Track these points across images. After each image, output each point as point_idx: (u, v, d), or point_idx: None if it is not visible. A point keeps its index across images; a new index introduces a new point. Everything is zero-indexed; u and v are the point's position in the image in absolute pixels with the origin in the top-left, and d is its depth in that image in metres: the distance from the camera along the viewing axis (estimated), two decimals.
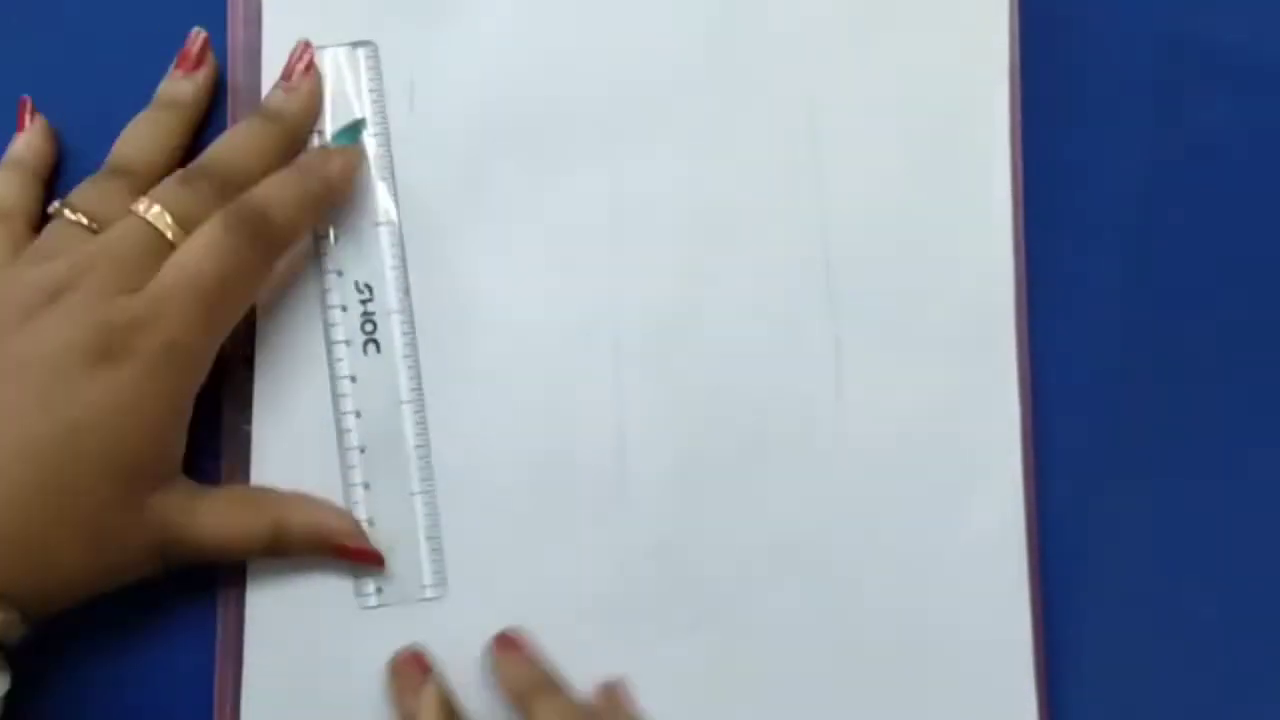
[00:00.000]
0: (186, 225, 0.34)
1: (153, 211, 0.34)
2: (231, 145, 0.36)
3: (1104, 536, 0.39)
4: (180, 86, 0.38)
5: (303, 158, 0.37)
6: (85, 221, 0.34)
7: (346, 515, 0.37)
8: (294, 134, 0.37)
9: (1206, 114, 0.40)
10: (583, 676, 0.38)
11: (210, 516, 0.35)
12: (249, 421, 0.38)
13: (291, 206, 0.35)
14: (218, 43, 0.39)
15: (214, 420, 0.38)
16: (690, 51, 0.39)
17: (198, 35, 0.38)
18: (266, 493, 0.37)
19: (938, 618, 0.38)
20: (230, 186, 0.35)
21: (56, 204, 0.35)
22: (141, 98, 0.39)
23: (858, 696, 0.38)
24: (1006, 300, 0.39)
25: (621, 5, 0.39)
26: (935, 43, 0.39)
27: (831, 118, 0.39)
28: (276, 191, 0.35)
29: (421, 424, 0.38)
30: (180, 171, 0.35)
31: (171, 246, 0.34)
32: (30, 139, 0.38)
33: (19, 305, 0.32)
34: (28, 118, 0.38)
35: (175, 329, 0.33)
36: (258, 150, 0.36)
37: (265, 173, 0.35)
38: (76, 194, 0.35)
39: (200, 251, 0.33)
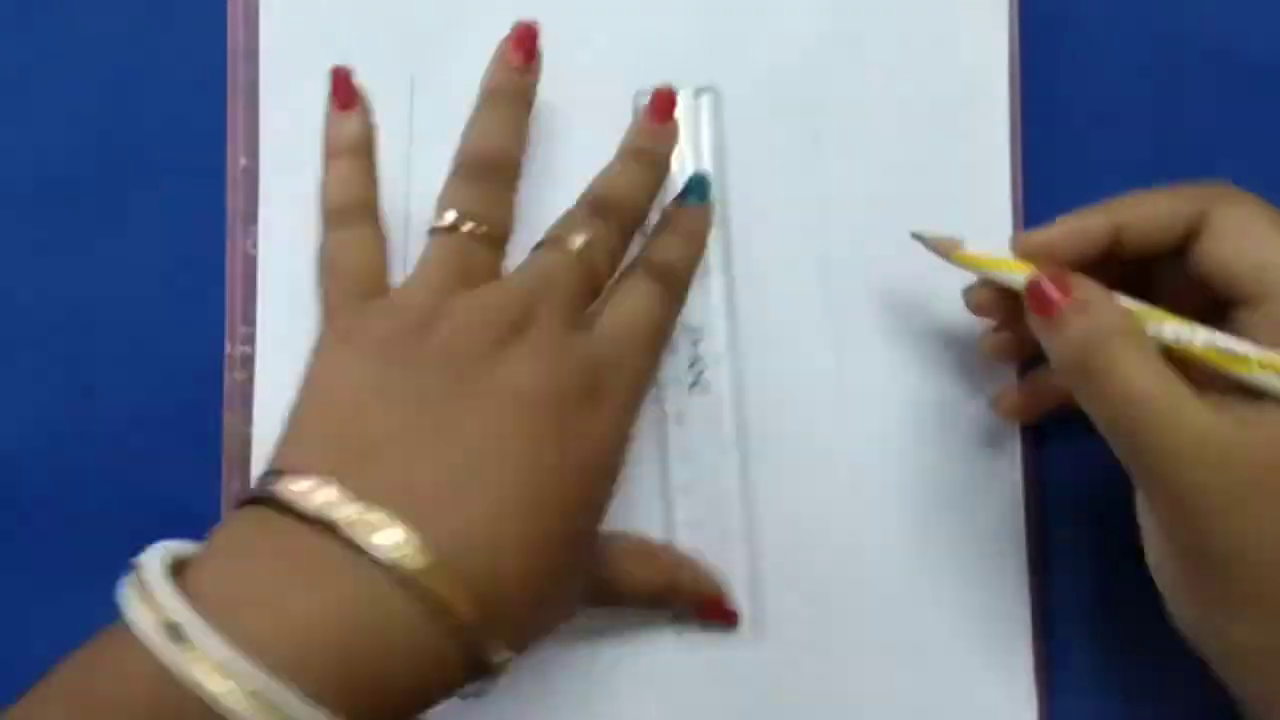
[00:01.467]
0: (602, 259, 0.34)
1: (582, 244, 0.34)
2: (623, 184, 0.36)
3: (1104, 536, 0.39)
4: (516, 80, 0.37)
5: (676, 217, 0.37)
6: (484, 231, 0.34)
7: (714, 576, 0.38)
8: (663, 175, 0.38)
9: (1206, 113, 0.40)
10: (581, 677, 0.38)
11: (622, 562, 0.36)
12: (249, 423, 0.38)
13: (688, 263, 0.37)
14: (218, 43, 0.39)
15: (214, 420, 0.38)
16: (689, 50, 0.39)
17: (527, 28, 0.37)
18: (654, 547, 0.37)
19: (938, 618, 0.38)
20: (629, 224, 0.36)
21: (452, 214, 0.34)
22: (142, 97, 0.39)
23: (857, 696, 0.38)
24: None
25: (620, 4, 0.39)
26: (935, 42, 0.39)
27: (831, 117, 0.39)
28: (677, 251, 0.36)
29: (745, 467, 0.38)
30: (589, 205, 0.35)
31: (594, 279, 0.34)
32: (363, 119, 0.37)
33: (484, 332, 0.31)
34: (349, 96, 0.37)
35: (635, 371, 0.34)
36: (644, 189, 0.37)
37: (646, 210, 0.37)
38: (461, 201, 0.35)
39: (642, 300, 0.34)
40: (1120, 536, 0.36)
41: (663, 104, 0.37)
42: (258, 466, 0.38)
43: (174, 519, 0.38)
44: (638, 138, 0.37)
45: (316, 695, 0.26)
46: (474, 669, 0.29)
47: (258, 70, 0.39)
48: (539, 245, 0.35)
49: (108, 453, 0.39)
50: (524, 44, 0.37)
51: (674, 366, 0.38)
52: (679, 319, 0.37)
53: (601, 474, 0.32)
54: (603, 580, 0.35)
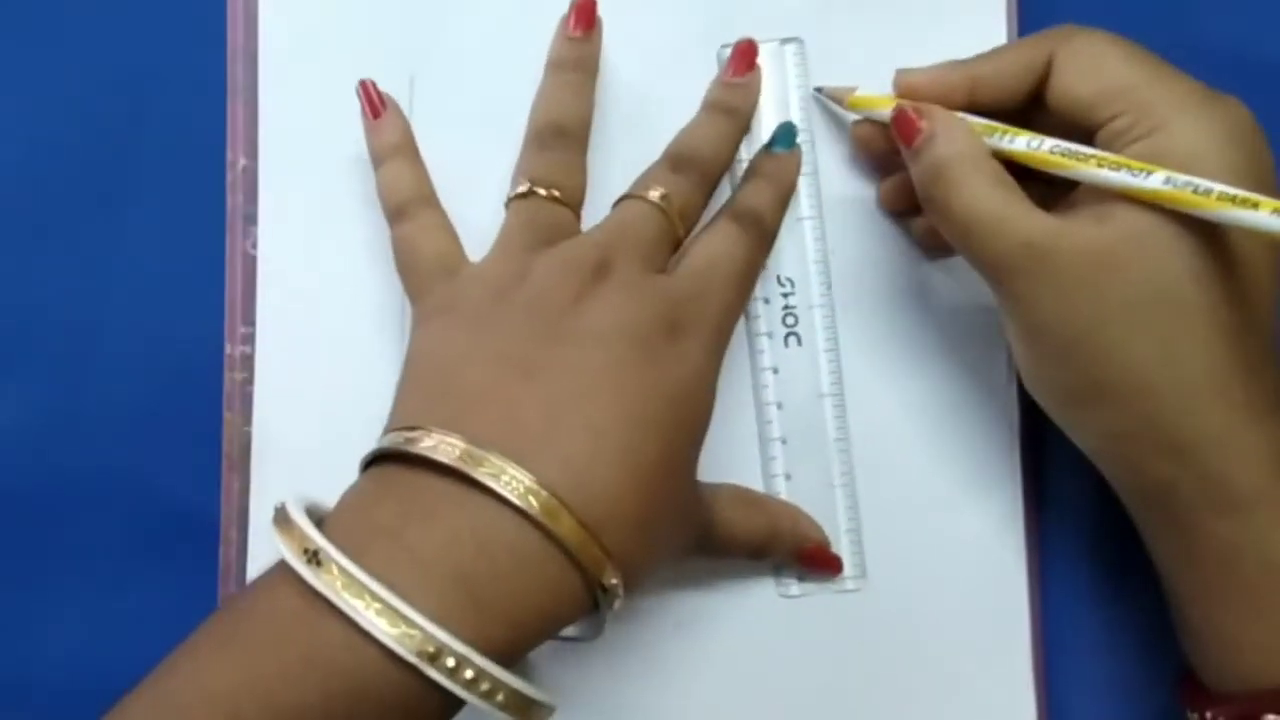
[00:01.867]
0: (681, 210, 0.36)
1: (659, 196, 0.35)
2: (703, 137, 0.38)
3: (1104, 535, 0.39)
4: (579, 49, 0.38)
5: (763, 164, 0.38)
6: (558, 195, 0.35)
7: (817, 524, 0.38)
8: (744, 126, 0.39)
9: None
10: (587, 675, 0.38)
11: (725, 510, 0.36)
12: (249, 423, 0.38)
13: (774, 209, 0.38)
14: (218, 43, 0.39)
15: (214, 420, 0.38)
16: (688, 49, 0.39)
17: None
18: (756, 495, 0.38)
19: (937, 617, 0.38)
20: (710, 176, 0.37)
21: (525, 184, 0.35)
22: (142, 97, 0.39)
23: (857, 695, 0.38)
24: None
25: (619, 3, 0.39)
26: (933, 43, 0.39)
27: (830, 117, 0.39)
28: (762, 197, 0.37)
29: (841, 417, 0.38)
30: (668, 159, 0.37)
31: (674, 229, 0.35)
32: (398, 122, 0.37)
33: (566, 284, 0.33)
34: (378, 103, 0.37)
35: (718, 307, 0.34)
36: (724, 142, 0.38)
37: (727, 162, 0.38)
38: (533, 169, 0.36)
39: (723, 242, 0.35)
40: (1120, 536, 0.36)
41: (743, 56, 0.38)
42: (258, 466, 0.38)
43: (174, 519, 0.38)
44: (719, 91, 0.38)
45: (441, 616, 0.27)
46: (590, 596, 0.30)
47: (257, 70, 0.39)
48: (619, 200, 0.36)
49: (108, 453, 0.39)
50: (583, 15, 0.38)
51: (768, 318, 0.39)
52: (770, 268, 0.38)
53: (690, 403, 0.32)
54: (706, 528, 0.35)
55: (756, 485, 0.38)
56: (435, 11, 0.39)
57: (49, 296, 0.39)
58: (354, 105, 0.38)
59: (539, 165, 0.36)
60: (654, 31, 0.39)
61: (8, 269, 0.39)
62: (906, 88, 0.36)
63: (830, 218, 0.39)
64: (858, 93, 0.38)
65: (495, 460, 0.29)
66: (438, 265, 0.35)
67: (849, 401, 0.39)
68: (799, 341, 0.39)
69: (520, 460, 0.29)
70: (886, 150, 0.37)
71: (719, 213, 0.37)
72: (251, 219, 0.39)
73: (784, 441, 0.38)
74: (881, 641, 0.38)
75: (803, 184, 0.39)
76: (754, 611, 0.38)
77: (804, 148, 0.39)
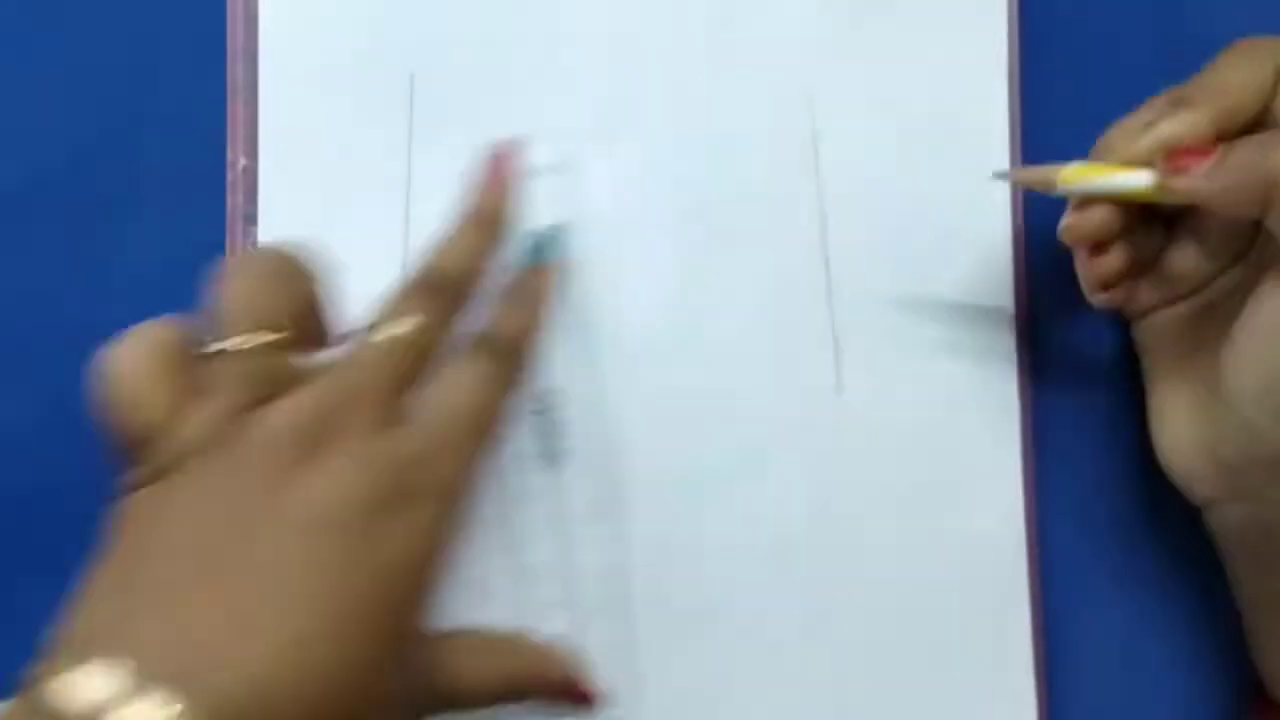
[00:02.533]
0: (425, 342, 0.32)
1: (397, 335, 0.31)
2: (454, 253, 0.35)
3: (1104, 535, 0.39)
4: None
5: (522, 283, 0.36)
6: (275, 338, 0.31)
7: (570, 656, 0.35)
8: (502, 234, 0.36)
9: None
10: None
11: (456, 662, 0.33)
12: None
13: (532, 335, 0.35)
14: (218, 43, 0.39)
15: None
16: (689, 49, 0.39)
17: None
18: (493, 640, 0.35)
19: (937, 617, 0.39)
20: (463, 294, 0.34)
21: (238, 337, 0.30)
22: (140, 104, 0.39)
23: (857, 695, 0.38)
24: (1006, 299, 0.39)
25: (620, 2, 0.39)
26: (935, 42, 0.39)
27: (830, 117, 0.39)
28: (514, 322, 0.35)
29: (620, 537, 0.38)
30: (413, 285, 0.33)
31: (415, 366, 0.32)
32: None
33: (276, 456, 0.28)
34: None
35: (455, 462, 0.31)
36: (478, 254, 0.35)
37: (481, 278, 0.35)
38: (246, 313, 0.31)
39: (468, 384, 0.32)
40: (1119, 535, 0.36)
41: (498, 162, 0.36)
42: None
43: None
44: (473, 198, 0.36)
45: None
46: None
47: (257, 70, 0.39)
48: (355, 336, 0.32)
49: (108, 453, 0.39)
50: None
51: (520, 439, 0.37)
52: (527, 390, 0.36)
53: (416, 576, 0.30)
54: (437, 685, 0.32)
55: (518, 619, 0.37)
56: (435, 11, 0.39)
57: (49, 296, 0.39)
58: (353, 105, 0.38)
59: (247, 310, 0.31)
60: (654, 31, 0.39)
61: (8, 269, 0.39)
62: (1145, 152, 0.33)
63: (832, 218, 0.39)
64: (1070, 168, 0.33)
65: (149, 702, 0.25)
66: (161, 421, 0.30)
67: (851, 398, 0.39)
68: (556, 459, 0.37)
69: (185, 687, 0.25)
70: (1114, 234, 0.34)
71: (466, 343, 0.34)
72: (251, 219, 0.39)
73: (547, 571, 0.37)
74: (879, 641, 0.38)
75: (804, 183, 0.39)
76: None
77: (806, 145, 0.39)
